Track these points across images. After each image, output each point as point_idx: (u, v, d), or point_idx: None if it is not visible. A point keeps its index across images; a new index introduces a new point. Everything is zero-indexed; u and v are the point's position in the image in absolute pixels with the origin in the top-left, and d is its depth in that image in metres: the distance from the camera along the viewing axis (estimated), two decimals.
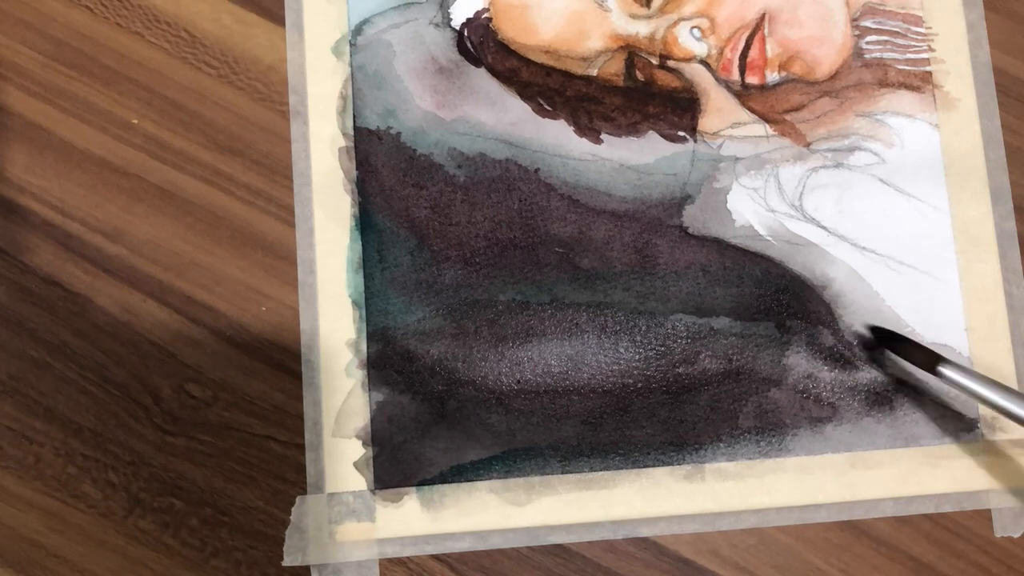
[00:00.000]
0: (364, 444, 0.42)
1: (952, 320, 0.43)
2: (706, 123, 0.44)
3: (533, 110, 0.44)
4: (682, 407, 0.42)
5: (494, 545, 0.42)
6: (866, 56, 0.45)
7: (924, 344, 0.42)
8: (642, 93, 0.44)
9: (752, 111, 0.44)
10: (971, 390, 0.39)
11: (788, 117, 0.44)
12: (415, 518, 0.42)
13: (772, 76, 0.44)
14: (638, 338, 0.43)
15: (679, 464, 0.42)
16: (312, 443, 0.42)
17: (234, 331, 0.43)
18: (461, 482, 0.42)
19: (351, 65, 0.44)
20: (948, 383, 0.40)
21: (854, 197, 0.44)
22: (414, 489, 0.42)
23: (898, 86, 0.44)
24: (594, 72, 0.45)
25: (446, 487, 0.42)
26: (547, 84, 0.44)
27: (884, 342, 0.42)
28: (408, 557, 0.42)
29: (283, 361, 0.43)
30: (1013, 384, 0.42)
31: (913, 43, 0.45)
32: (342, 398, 0.42)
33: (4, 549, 0.42)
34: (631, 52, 0.45)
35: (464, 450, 0.42)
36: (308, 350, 0.43)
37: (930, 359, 0.40)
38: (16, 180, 0.44)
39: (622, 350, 0.43)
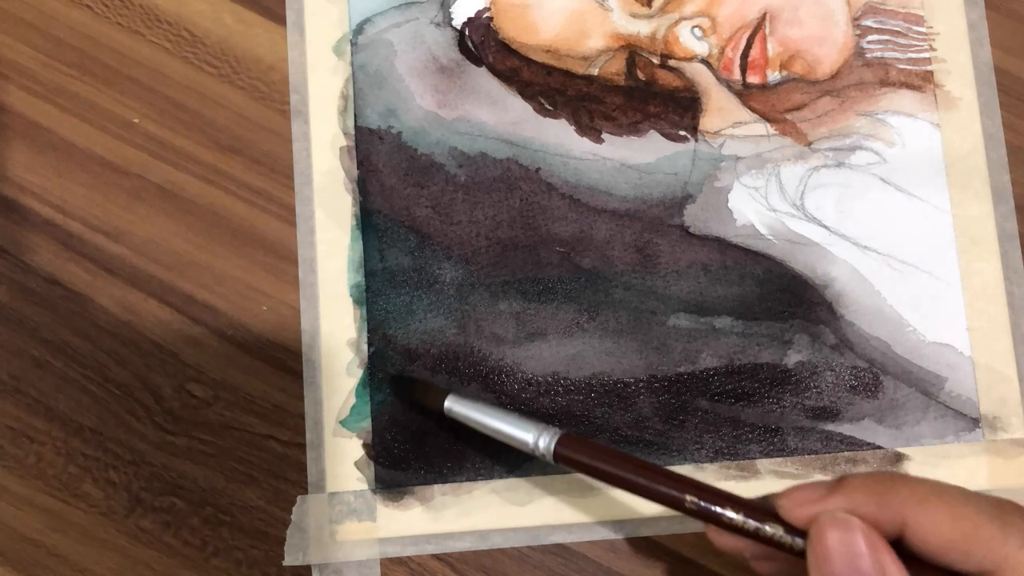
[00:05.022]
0: (365, 444, 0.42)
1: (953, 319, 0.43)
2: (707, 122, 0.44)
3: (534, 109, 0.44)
4: (683, 407, 0.42)
5: (495, 545, 0.42)
6: (867, 55, 0.45)
7: (432, 382, 0.41)
8: (643, 92, 0.44)
9: (753, 110, 0.44)
10: (475, 420, 0.38)
11: (789, 116, 0.44)
12: (416, 518, 0.42)
13: (773, 75, 0.44)
14: (639, 338, 0.43)
15: (679, 464, 0.42)
16: (313, 442, 0.42)
17: (235, 330, 0.43)
18: (462, 481, 0.42)
19: (352, 64, 0.44)
20: (455, 416, 0.39)
21: (855, 196, 0.44)
22: (415, 488, 0.42)
23: (899, 85, 0.44)
24: (595, 71, 0.45)
25: (447, 486, 0.42)
26: (548, 83, 0.44)
27: (399, 392, 0.42)
28: (409, 557, 0.42)
29: (284, 360, 0.43)
30: (1015, 383, 0.42)
31: (914, 42, 0.45)
32: (343, 397, 0.42)
33: (4, 548, 0.42)
34: (632, 51, 0.45)
35: (465, 450, 0.42)
36: (309, 349, 0.43)
37: (438, 396, 0.39)
38: (17, 179, 0.44)
39: (623, 350, 0.43)
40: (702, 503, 0.32)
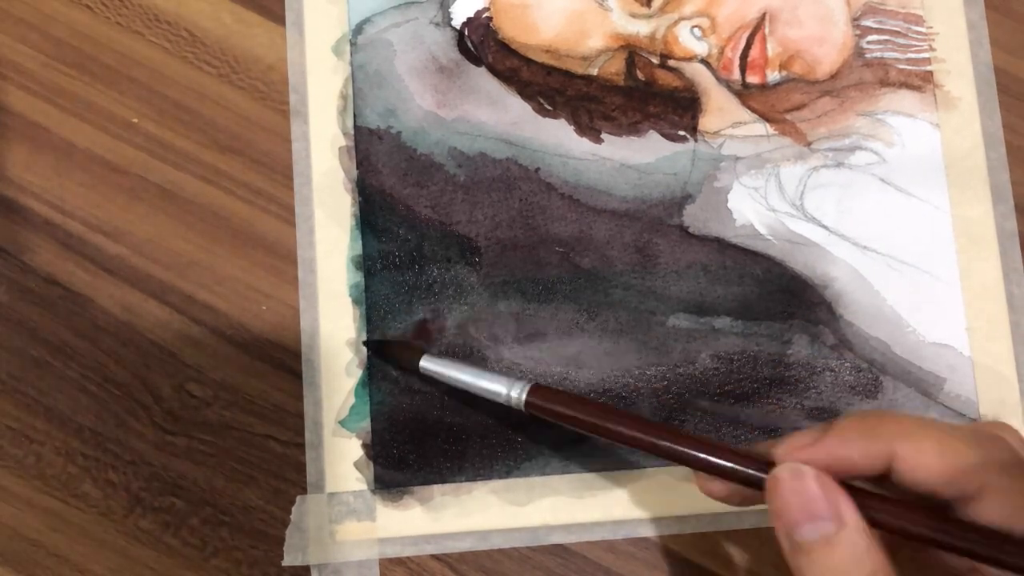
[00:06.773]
0: (364, 444, 0.42)
1: (953, 319, 0.43)
2: (707, 122, 0.44)
3: (534, 109, 0.44)
4: (682, 407, 0.42)
5: (495, 545, 0.42)
6: (867, 55, 0.45)
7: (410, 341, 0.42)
8: (643, 92, 0.44)
9: (753, 110, 0.44)
10: (450, 377, 0.39)
11: (789, 116, 0.44)
12: (415, 518, 0.42)
13: (773, 75, 0.44)
14: (638, 338, 0.43)
15: (678, 465, 0.42)
16: (312, 442, 0.42)
17: (234, 330, 0.43)
18: (462, 482, 0.42)
19: (351, 64, 0.44)
20: (431, 374, 0.40)
21: (855, 196, 0.44)
22: (415, 489, 0.42)
23: (899, 85, 0.44)
24: (595, 71, 0.44)
25: (447, 487, 0.42)
26: (548, 83, 0.44)
27: (377, 353, 0.42)
28: (408, 557, 0.42)
29: (283, 360, 0.43)
30: (1014, 383, 0.42)
31: (914, 42, 0.45)
32: (342, 397, 0.42)
33: (4, 548, 0.42)
34: (632, 51, 0.45)
35: (465, 450, 0.42)
36: (308, 349, 0.43)
37: (414, 355, 0.41)
38: (16, 179, 0.44)
39: (622, 350, 0.43)
40: (682, 449, 0.32)
